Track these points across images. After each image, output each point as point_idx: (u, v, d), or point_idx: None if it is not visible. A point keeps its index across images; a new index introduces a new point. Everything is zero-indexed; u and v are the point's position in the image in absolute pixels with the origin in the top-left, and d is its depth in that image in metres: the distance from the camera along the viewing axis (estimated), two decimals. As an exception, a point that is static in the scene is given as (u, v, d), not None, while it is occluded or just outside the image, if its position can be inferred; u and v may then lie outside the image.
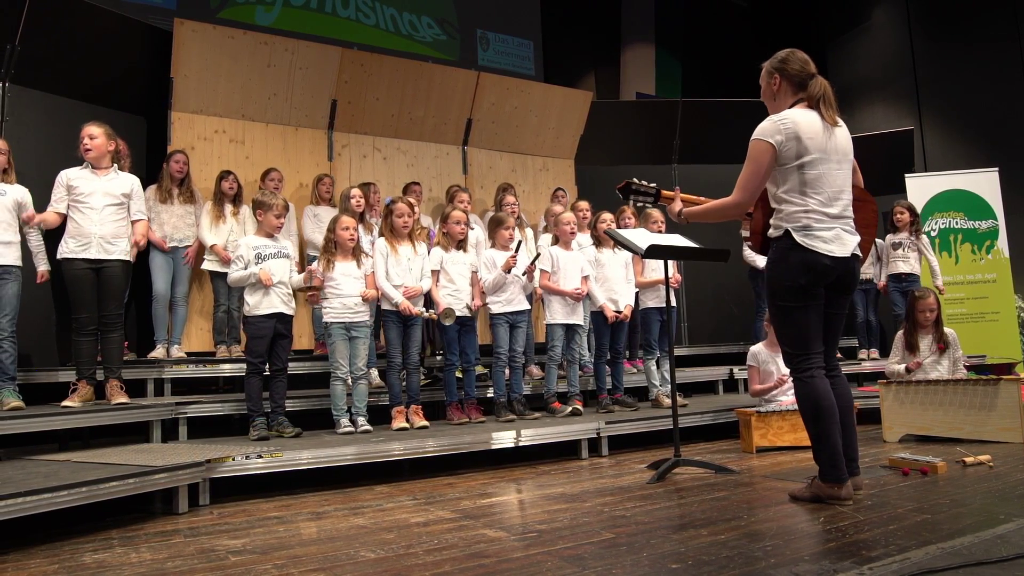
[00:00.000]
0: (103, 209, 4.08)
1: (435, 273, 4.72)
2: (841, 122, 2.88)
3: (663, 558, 2.16)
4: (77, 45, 5.13)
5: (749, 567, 2.03)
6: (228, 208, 5.29)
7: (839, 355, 3.13)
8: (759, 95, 3.04)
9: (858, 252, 2.85)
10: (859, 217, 2.89)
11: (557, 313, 4.96)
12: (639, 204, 3.38)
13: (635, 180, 3.36)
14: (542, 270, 4.96)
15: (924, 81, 10.01)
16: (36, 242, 4.17)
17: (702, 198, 3.22)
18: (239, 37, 5.84)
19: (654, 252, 3.68)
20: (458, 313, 4.58)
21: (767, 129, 2.80)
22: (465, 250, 4.86)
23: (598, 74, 11.32)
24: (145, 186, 5.09)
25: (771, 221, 2.88)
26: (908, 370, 4.80)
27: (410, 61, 6.94)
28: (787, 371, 4.74)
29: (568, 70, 10.84)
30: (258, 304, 4.17)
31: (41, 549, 2.57)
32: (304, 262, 5.32)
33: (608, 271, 5.11)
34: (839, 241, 2.78)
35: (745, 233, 5.53)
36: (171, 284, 5.12)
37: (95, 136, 4.10)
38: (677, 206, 3.18)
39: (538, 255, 4.96)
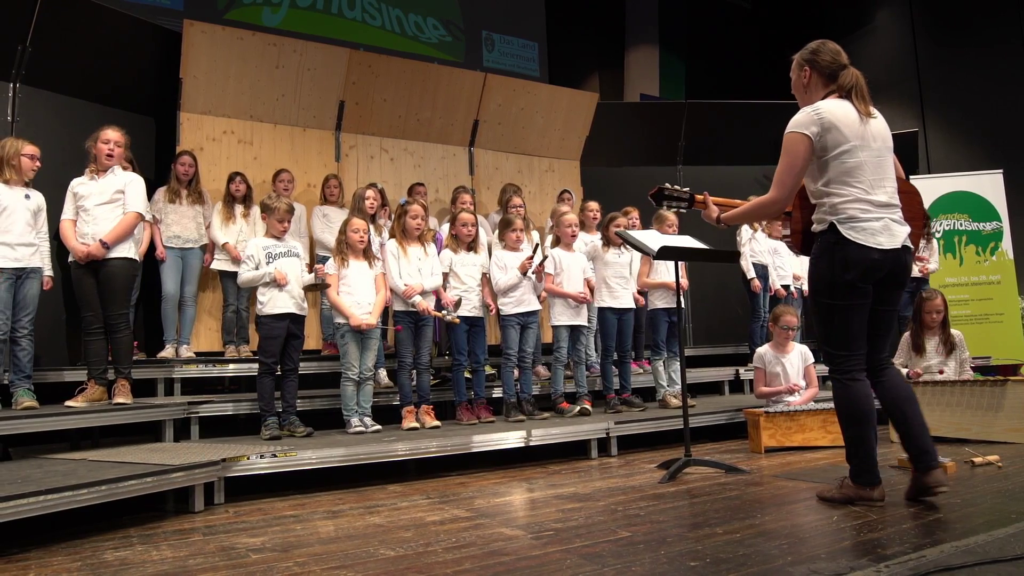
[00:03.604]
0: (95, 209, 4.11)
1: (444, 276, 4.75)
2: (876, 112, 2.76)
3: (681, 556, 2.18)
4: (87, 46, 5.15)
5: (767, 565, 2.05)
6: (238, 209, 5.32)
7: None
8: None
9: (909, 244, 2.70)
10: (905, 208, 2.76)
11: (561, 314, 4.98)
12: (672, 209, 3.26)
13: (667, 185, 3.22)
14: (546, 273, 4.98)
15: (928, 83, 10.03)
16: (44, 248, 4.17)
17: (735, 200, 3.11)
18: (248, 38, 5.86)
19: (666, 253, 3.70)
20: (469, 314, 4.62)
21: (801, 121, 2.68)
22: (476, 251, 4.88)
23: (602, 76, 11.35)
24: (155, 187, 5.16)
25: (814, 217, 2.75)
26: (908, 377, 4.82)
27: (418, 62, 6.96)
28: (795, 380, 4.82)
29: (572, 72, 10.86)
30: (272, 301, 4.20)
31: (62, 547, 2.59)
32: (315, 262, 5.33)
33: (613, 271, 5.13)
34: (888, 232, 2.63)
35: (784, 232, 5.47)
36: (180, 284, 5.14)
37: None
38: (714, 212, 3.06)
39: (545, 256, 4.98)
